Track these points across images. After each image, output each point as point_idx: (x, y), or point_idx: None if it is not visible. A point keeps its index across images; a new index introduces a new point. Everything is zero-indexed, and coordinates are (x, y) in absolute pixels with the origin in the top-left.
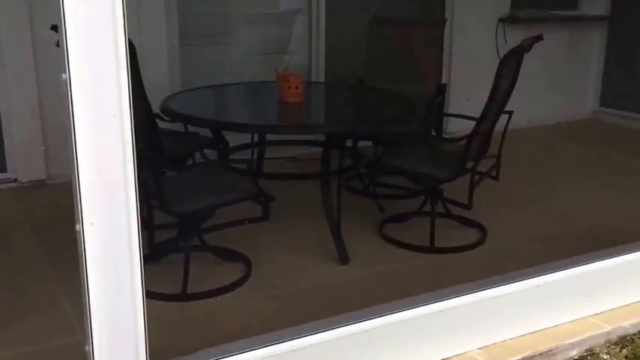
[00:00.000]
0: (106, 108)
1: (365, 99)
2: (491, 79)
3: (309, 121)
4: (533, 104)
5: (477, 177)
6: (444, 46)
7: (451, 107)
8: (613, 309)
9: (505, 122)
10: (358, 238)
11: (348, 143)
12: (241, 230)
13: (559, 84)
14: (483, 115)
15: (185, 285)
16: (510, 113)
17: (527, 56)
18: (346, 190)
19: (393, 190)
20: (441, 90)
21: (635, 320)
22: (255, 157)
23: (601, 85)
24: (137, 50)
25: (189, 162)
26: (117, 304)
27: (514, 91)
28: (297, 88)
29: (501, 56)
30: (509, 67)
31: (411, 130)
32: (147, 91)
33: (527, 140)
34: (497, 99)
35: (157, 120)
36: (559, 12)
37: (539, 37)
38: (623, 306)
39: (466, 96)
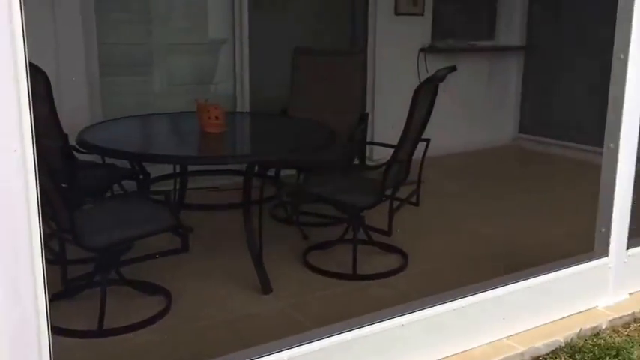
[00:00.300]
0: (4, 143)
1: (286, 128)
2: (405, 109)
3: (229, 151)
4: (455, 131)
5: (397, 203)
6: (368, 76)
7: (376, 135)
8: (526, 330)
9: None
10: (281, 266)
11: (271, 172)
12: (161, 262)
13: (480, 112)
14: (400, 143)
15: (101, 320)
16: (428, 141)
17: (449, 85)
18: (270, 218)
19: (317, 218)
20: (363, 119)
21: (547, 340)
22: (177, 187)
23: (519, 112)
24: (55, 81)
25: (108, 194)
26: (22, 342)
27: (437, 119)
28: (217, 118)
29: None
30: (425, 97)
31: (332, 158)
32: (66, 123)
33: (450, 166)
34: (413, 127)
35: (78, 151)
36: (477, 43)
37: (453, 68)
38: (535, 327)
39: (390, 124)
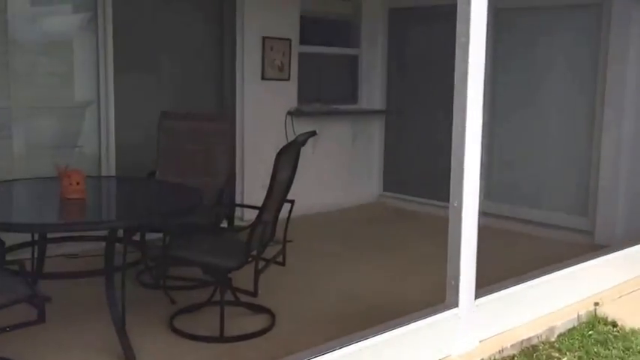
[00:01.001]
0: None
1: (152, 192)
2: None
3: (89, 217)
4: (324, 191)
5: (263, 264)
6: (237, 138)
7: (247, 195)
8: None
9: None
10: (146, 333)
11: (137, 236)
12: (17, 335)
13: (347, 171)
14: (264, 205)
15: None
16: (292, 202)
17: (317, 147)
18: (136, 284)
19: (184, 282)
20: (231, 181)
21: None
22: (35, 255)
23: (383, 171)
24: None
25: None
26: None
27: (307, 179)
28: (78, 184)
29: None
30: (286, 160)
31: (199, 220)
32: None
33: (318, 225)
34: (276, 189)
35: None
36: (341, 106)
37: (313, 133)
38: None
39: (260, 184)
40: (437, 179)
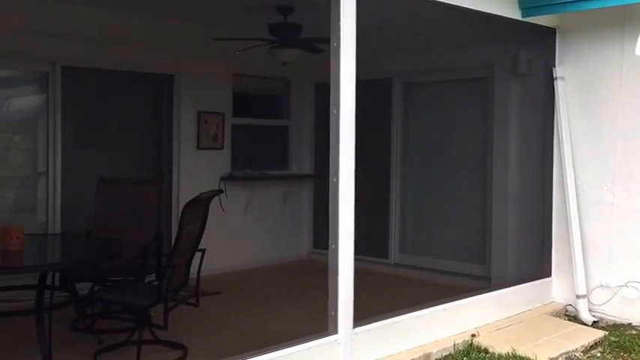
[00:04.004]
0: None
1: (78, 245)
2: (212, 227)
3: (23, 262)
4: (258, 248)
5: (173, 303)
6: (172, 200)
7: None
8: None
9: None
10: None
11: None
12: None
13: (278, 230)
14: (170, 252)
15: None
16: (203, 251)
17: (250, 207)
18: (71, 329)
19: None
20: (158, 237)
21: None
22: None
23: (313, 229)
24: None
25: None
26: None
27: (243, 236)
28: (17, 238)
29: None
30: (193, 215)
31: (120, 268)
32: None
33: (246, 278)
34: (182, 239)
35: None
36: (273, 171)
37: (220, 191)
38: None
39: None
40: (368, 235)
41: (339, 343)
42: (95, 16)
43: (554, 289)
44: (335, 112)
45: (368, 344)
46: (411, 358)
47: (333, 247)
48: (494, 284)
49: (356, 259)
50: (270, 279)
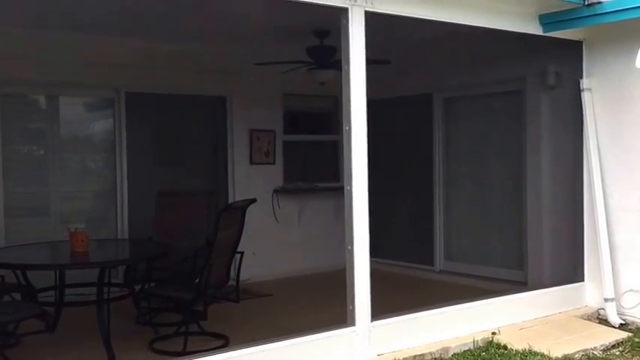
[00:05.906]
0: None
1: (136, 247)
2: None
3: (88, 259)
4: (309, 255)
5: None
6: None
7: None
8: None
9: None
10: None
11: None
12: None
13: (330, 239)
14: (207, 254)
15: None
16: (242, 253)
17: (303, 217)
18: (135, 322)
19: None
20: (208, 243)
21: None
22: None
23: None
24: None
25: None
26: None
27: (294, 245)
28: (82, 240)
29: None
30: (227, 221)
31: (172, 268)
32: None
33: (300, 283)
34: (217, 243)
35: None
36: (321, 184)
37: (254, 200)
38: None
39: (252, 250)
40: (414, 244)
41: (357, 334)
42: (153, 46)
43: (588, 294)
44: (347, 128)
45: (386, 336)
46: (429, 350)
47: (349, 247)
48: (529, 289)
49: (402, 266)
50: (320, 285)
